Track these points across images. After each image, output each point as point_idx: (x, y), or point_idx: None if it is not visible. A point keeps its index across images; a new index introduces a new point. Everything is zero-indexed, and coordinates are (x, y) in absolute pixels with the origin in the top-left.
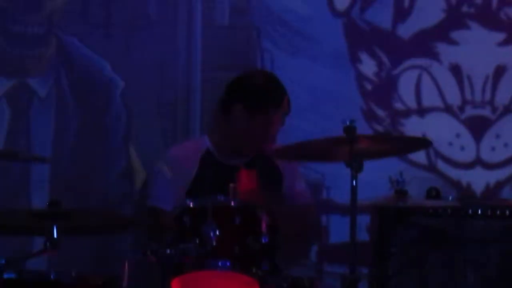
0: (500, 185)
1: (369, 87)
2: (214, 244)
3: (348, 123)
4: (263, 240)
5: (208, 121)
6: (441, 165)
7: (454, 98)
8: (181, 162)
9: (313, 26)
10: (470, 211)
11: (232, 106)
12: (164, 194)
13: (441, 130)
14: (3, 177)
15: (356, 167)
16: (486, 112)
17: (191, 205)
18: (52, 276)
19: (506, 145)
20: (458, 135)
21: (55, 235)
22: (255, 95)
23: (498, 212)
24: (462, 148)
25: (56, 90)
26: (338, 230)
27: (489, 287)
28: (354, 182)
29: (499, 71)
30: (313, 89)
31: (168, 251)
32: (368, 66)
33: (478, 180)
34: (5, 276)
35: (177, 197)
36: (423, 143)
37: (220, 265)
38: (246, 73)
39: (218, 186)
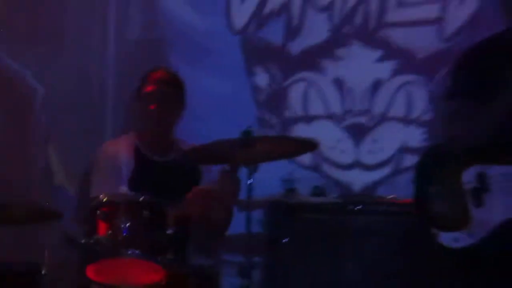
0: (376, 184)
1: (262, 97)
2: (126, 234)
3: (246, 128)
4: (168, 232)
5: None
6: (325, 166)
7: (336, 107)
8: (114, 157)
9: (213, 41)
10: (349, 207)
11: (137, 98)
12: (103, 187)
13: (325, 135)
14: None
15: (252, 168)
16: (364, 120)
17: (104, 200)
18: None
19: (381, 149)
20: (339, 140)
21: None
22: (142, 79)
23: (374, 208)
24: (343, 152)
25: None
26: (235, 223)
27: (366, 274)
28: (250, 181)
29: (376, 84)
30: (213, 98)
31: (84, 240)
32: (262, 78)
33: (357, 179)
34: None
35: (112, 190)
36: (310, 145)
37: (130, 253)
38: None
39: (148, 180)
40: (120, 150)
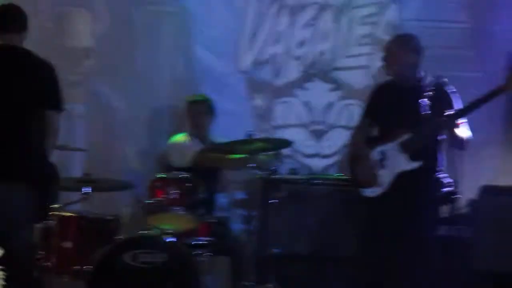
0: (329, 167)
1: (259, 112)
2: (173, 198)
3: (249, 132)
4: (200, 195)
5: None
6: (297, 156)
7: (305, 119)
8: (182, 143)
9: (227, 78)
10: (312, 181)
11: (187, 111)
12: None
13: (298, 136)
14: None
15: (252, 157)
16: (322, 127)
17: (160, 176)
18: None
19: (332, 145)
20: (306, 139)
21: None
22: (190, 101)
23: (327, 182)
24: (308, 147)
25: None
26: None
27: (320, 222)
28: (252, 165)
29: (329, 105)
30: (228, 114)
31: (149, 201)
32: (258, 101)
33: (317, 164)
34: None
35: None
36: (288, 143)
37: (176, 209)
38: None
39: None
40: (185, 140)
